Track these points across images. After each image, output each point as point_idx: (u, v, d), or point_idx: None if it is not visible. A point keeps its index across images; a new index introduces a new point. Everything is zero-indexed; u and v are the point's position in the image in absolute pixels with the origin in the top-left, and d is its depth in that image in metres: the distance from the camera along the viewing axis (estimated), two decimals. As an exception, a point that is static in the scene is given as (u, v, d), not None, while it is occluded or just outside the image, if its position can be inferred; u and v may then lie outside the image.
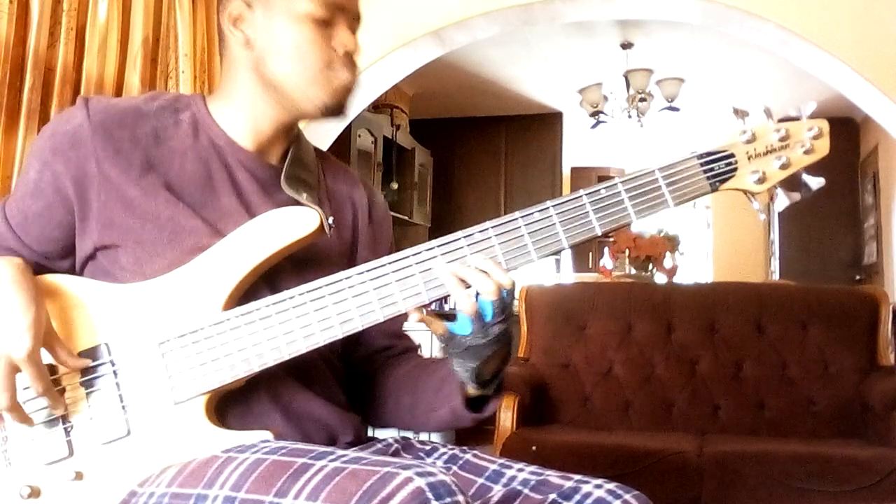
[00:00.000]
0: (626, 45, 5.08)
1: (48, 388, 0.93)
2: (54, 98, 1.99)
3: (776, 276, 6.83)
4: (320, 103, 1.05)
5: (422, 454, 1.10)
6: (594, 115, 5.32)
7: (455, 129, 6.54)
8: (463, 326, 0.97)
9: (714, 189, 0.98)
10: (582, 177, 8.09)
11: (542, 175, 6.44)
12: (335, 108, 1.07)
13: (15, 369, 0.91)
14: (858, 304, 2.94)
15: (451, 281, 0.95)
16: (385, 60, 3.25)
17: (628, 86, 5.24)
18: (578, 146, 7.18)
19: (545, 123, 6.50)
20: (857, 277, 6.38)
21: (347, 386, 1.17)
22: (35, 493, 0.95)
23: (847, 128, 6.28)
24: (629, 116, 5.33)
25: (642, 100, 5.21)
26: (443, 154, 6.36)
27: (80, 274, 1.04)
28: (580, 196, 0.97)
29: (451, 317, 1.01)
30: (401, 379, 1.16)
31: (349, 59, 1.06)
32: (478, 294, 0.95)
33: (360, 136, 4.76)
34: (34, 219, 1.04)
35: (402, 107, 5.77)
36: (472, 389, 1.03)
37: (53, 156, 1.01)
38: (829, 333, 2.90)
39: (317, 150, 1.20)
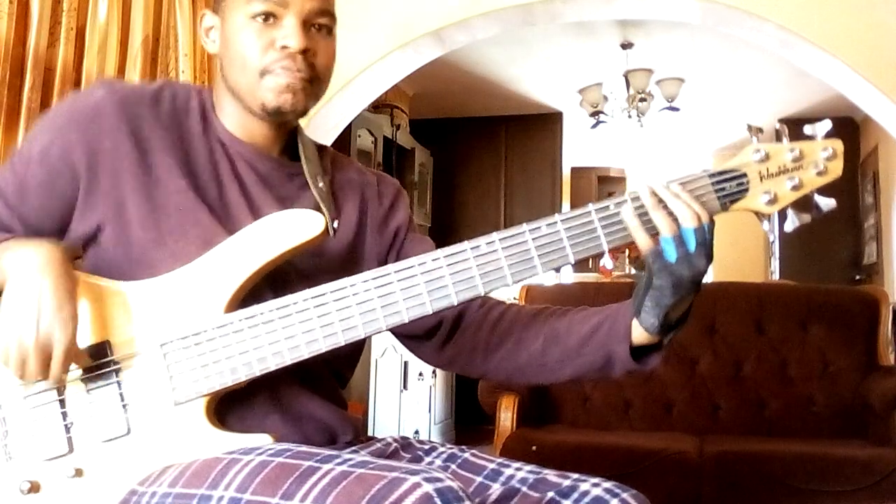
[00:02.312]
0: (626, 45, 5.07)
1: (62, 378, 0.94)
2: (54, 98, 2.00)
3: (776, 276, 6.82)
4: (258, 105, 1.03)
5: (420, 453, 1.10)
6: (594, 115, 5.32)
7: (455, 129, 6.53)
8: (668, 251, 0.95)
9: (724, 209, 0.96)
10: (582, 177, 8.08)
11: (542, 175, 6.44)
12: (277, 111, 1.03)
13: (45, 352, 0.91)
14: (858, 304, 2.94)
15: (650, 201, 0.94)
16: (385, 60, 3.25)
17: (628, 86, 5.24)
18: (578, 146, 7.17)
19: (545, 123, 6.49)
20: (857, 277, 6.38)
21: (442, 348, 1.16)
22: (35, 488, 0.95)
23: (847, 128, 6.27)
24: (629, 116, 5.33)
25: (642, 100, 5.21)
26: (443, 154, 6.35)
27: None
28: (589, 211, 0.96)
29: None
30: (522, 327, 1.12)
31: (295, 58, 1.01)
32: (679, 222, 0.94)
33: (360, 136, 4.76)
34: (34, 189, 1.03)
35: (402, 107, 5.76)
36: (644, 335, 1.00)
37: (69, 125, 1.01)
38: (829, 333, 2.89)
39: (319, 145, 1.20)
